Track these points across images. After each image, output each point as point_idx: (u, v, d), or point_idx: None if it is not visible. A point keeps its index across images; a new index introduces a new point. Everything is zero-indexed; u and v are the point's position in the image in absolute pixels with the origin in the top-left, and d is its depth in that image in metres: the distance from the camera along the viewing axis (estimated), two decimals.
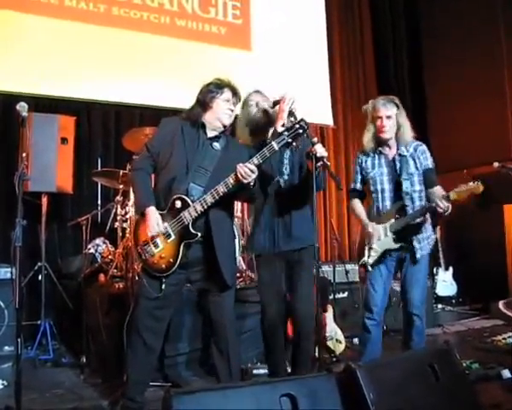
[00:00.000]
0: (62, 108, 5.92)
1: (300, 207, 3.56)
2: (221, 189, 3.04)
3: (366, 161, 3.83)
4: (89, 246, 5.34)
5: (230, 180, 3.04)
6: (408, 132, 3.75)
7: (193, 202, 3.08)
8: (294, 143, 3.07)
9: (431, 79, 8.56)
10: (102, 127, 6.41)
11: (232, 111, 3.29)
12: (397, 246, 3.69)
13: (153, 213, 3.14)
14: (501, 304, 6.53)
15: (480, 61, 7.59)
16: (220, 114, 3.26)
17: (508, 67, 7.34)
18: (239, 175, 3.00)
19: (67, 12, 6.06)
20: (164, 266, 3.14)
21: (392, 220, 3.68)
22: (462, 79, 7.83)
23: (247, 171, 2.99)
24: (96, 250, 5.39)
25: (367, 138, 3.82)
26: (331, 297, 5.19)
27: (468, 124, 7.71)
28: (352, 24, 8.57)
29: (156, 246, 3.15)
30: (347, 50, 8.45)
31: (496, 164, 5.44)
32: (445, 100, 8.17)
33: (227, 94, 3.27)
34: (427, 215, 3.72)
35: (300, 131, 2.99)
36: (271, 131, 3.51)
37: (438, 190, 3.67)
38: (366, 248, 3.75)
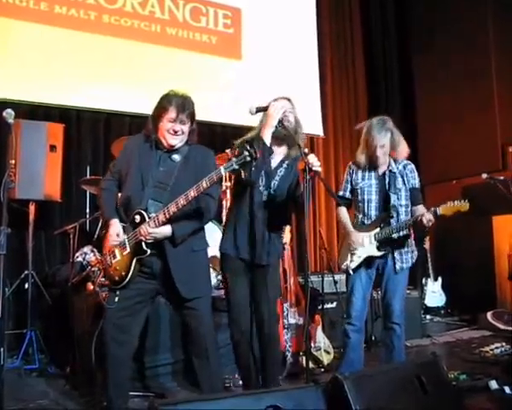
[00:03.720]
0: (51, 115, 5.91)
1: (277, 222, 3.54)
2: (172, 208, 2.99)
3: (357, 172, 4.01)
4: (76, 254, 5.28)
5: (172, 208, 3.00)
6: (403, 152, 3.97)
7: (150, 218, 3.06)
8: (242, 172, 2.98)
9: (421, 91, 8.60)
10: (92, 135, 6.37)
11: (176, 132, 3.14)
12: (379, 254, 3.89)
13: (114, 224, 3.16)
14: (489, 315, 6.55)
15: (469, 72, 7.63)
16: (165, 134, 3.16)
17: (496, 79, 7.38)
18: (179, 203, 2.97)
19: (57, 19, 6.04)
20: (117, 277, 3.13)
21: (377, 229, 3.87)
22: (452, 91, 7.87)
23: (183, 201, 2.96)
24: (84, 259, 5.34)
25: (361, 158, 3.98)
26: (320, 307, 5.18)
27: (457, 135, 7.74)
28: (343, 35, 8.58)
29: (114, 257, 3.15)
30: (338, 61, 8.46)
31: (484, 175, 5.48)
32: (435, 111, 8.20)
33: (171, 114, 3.11)
34: (411, 230, 3.94)
35: (248, 159, 2.87)
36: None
37: (420, 208, 3.92)
38: (349, 253, 3.93)
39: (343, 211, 4.07)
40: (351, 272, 3.90)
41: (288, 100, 3.55)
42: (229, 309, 3.53)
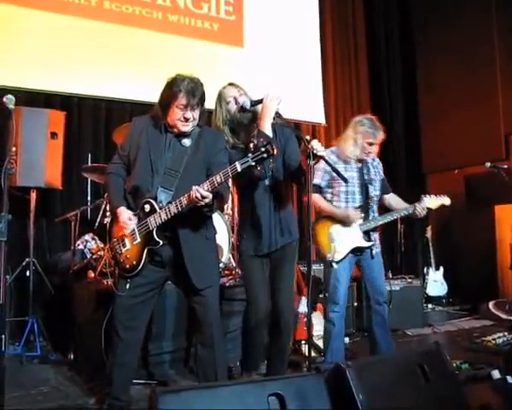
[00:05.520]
0: (52, 102, 5.88)
1: (286, 204, 3.55)
2: (184, 201, 2.94)
3: (338, 164, 4.04)
4: (78, 242, 5.28)
5: (184, 200, 2.94)
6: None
7: (160, 207, 3.02)
8: (259, 167, 2.97)
9: (424, 80, 8.54)
10: (93, 122, 6.32)
11: (187, 119, 3.07)
12: (368, 244, 4.09)
13: (124, 211, 3.11)
14: (491, 304, 6.55)
15: (473, 62, 7.59)
16: (175, 121, 3.09)
17: (500, 68, 7.35)
18: (192, 196, 2.88)
19: (58, 5, 5.98)
20: (128, 266, 3.12)
21: (361, 220, 4.06)
22: (455, 81, 7.83)
23: (199, 196, 2.86)
24: (85, 246, 5.34)
25: (353, 151, 4.10)
26: (321, 296, 5.16)
27: (461, 124, 7.71)
28: (346, 22, 8.53)
29: (124, 245, 3.13)
30: (340, 48, 8.41)
31: (487, 164, 5.45)
32: (438, 100, 8.16)
33: (181, 100, 3.01)
34: None
35: (265, 155, 2.85)
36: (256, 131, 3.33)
37: (393, 197, 4.35)
38: (332, 245, 4.03)
39: (321, 198, 4.12)
40: (335, 265, 3.98)
41: (232, 84, 3.52)
42: (247, 296, 3.56)
